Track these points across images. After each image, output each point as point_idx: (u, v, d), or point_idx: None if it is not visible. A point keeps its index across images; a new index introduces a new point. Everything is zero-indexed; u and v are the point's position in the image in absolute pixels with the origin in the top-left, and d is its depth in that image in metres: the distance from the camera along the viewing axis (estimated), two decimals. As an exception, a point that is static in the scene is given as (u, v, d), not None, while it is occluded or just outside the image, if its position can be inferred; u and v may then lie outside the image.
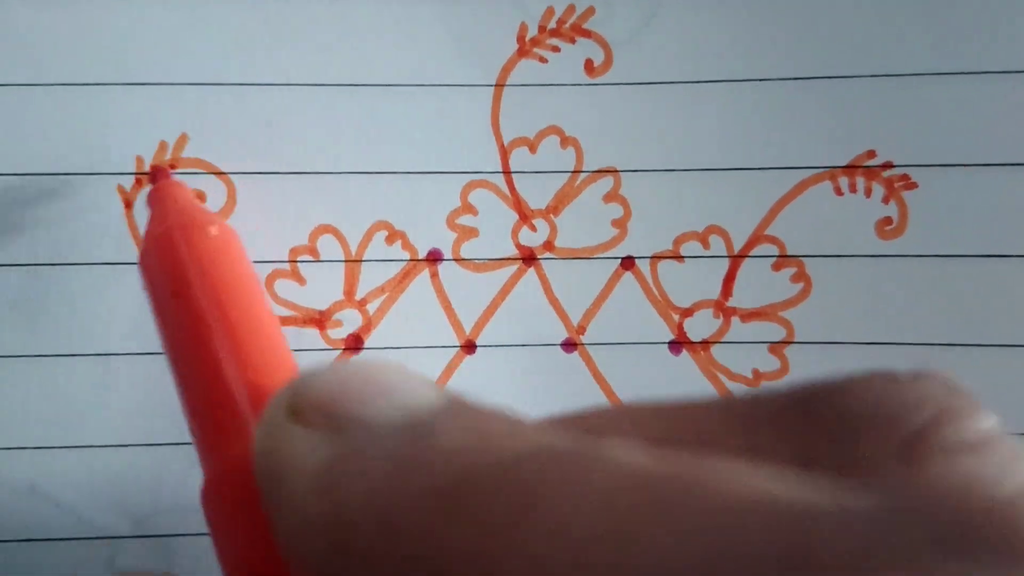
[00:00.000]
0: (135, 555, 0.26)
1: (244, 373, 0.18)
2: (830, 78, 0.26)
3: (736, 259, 0.27)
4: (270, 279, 0.26)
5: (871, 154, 0.26)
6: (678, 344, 0.27)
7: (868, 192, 0.26)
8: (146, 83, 0.25)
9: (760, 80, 0.26)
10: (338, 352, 0.26)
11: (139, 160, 0.26)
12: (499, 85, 0.26)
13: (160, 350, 0.25)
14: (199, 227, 0.21)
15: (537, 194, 0.26)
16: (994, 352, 0.26)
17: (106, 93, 0.25)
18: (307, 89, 0.26)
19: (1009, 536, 0.11)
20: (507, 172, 0.26)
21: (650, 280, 0.27)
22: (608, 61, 0.26)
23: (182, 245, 0.21)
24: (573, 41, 0.26)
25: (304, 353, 0.26)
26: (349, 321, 0.26)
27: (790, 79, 0.26)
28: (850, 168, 0.26)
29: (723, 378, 0.27)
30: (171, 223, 0.22)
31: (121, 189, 0.26)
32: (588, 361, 0.27)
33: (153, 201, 0.24)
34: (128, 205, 0.26)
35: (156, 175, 0.25)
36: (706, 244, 0.27)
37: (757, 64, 0.26)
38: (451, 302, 0.26)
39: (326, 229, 0.26)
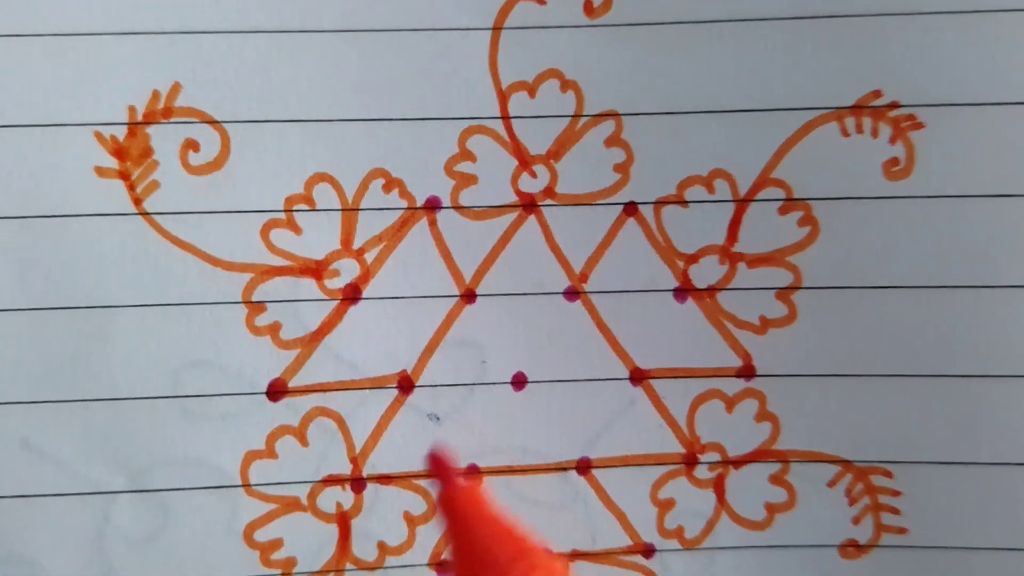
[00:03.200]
0: (131, 510, 0.26)
1: None
2: (835, 17, 0.25)
3: (742, 203, 0.26)
4: (265, 228, 0.25)
5: (877, 94, 0.26)
6: (683, 291, 0.26)
7: (875, 133, 0.26)
8: (138, 32, 0.25)
9: (764, 20, 0.25)
10: (336, 302, 0.26)
11: (131, 110, 0.25)
12: (496, 28, 0.25)
13: (157, 301, 0.25)
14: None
15: (537, 139, 0.26)
16: (1004, 293, 0.26)
17: (98, 43, 0.25)
18: (302, 36, 0.25)
19: None
20: (506, 117, 0.26)
21: (654, 226, 0.26)
22: (608, 1, 0.25)
23: None
24: (572, -19, 0.25)
25: (302, 304, 0.26)
26: (347, 271, 0.26)
27: (795, 18, 0.25)
28: (856, 108, 0.26)
29: (729, 325, 0.26)
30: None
31: (114, 139, 0.25)
32: (591, 310, 0.26)
33: (449, 512, 0.21)
34: (119, 155, 0.25)
35: (438, 469, 0.22)
36: (711, 188, 0.26)
37: (761, 3, 0.25)
38: (450, 251, 0.26)
39: (322, 177, 0.26)
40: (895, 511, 0.26)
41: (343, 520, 0.27)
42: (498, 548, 0.19)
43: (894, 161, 0.26)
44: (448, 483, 0.21)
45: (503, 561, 0.19)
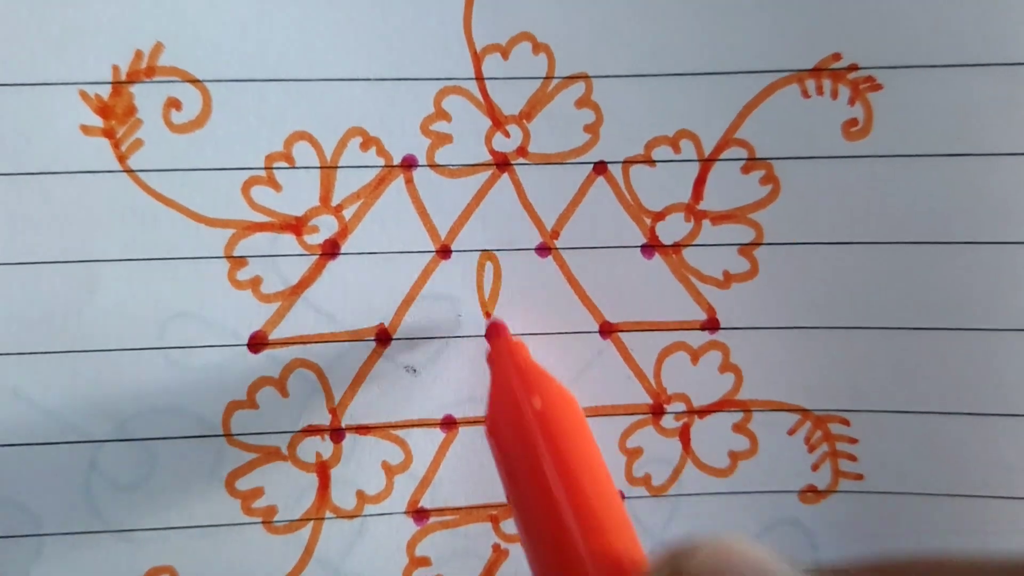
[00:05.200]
0: (117, 458, 0.27)
1: (591, 538, 0.19)
2: (797, -18, 0.26)
3: (706, 163, 0.27)
4: (246, 185, 0.26)
5: (837, 56, 0.26)
6: (650, 247, 0.27)
7: (834, 94, 0.27)
8: (122, -6, 0.26)
9: (728, -15, 0.26)
10: (315, 257, 0.27)
11: (115, 69, 0.26)
12: (471, -8, 0.26)
13: (142, 256, 0.26)
14: (541, 394, 0.22)
15: (510, 100, 0.27)
16: (956, 248, 0.27)
17: (81, 2, 0.26)
18: (281, -2, 0.26)
19: None
20: (480, 78, 0.27)
21: (622, 184, 0.27)
22: (578, -34, 0.26)
23: (528, 414, 0.22)
24: (543, -53, 0.26)
25: (282, 259, 0.27)
26: (325, 227, 0.27)
27: (757, -17, 0.26)
28: (816, 71, 0.27)
29: (695, 280, 0.27)
30: (518, 393, 0.23)
31: (98, 98, 0.26)
32: (562, 265, 0.27)
33: (494, 363, 0.25)
34: (104, 113, 0.26)
35: (493, 334, 0.26)
36: (677, 148, 0.27)
37: (724, -32, 0.26)
38: (426, 208, 0.27)
39: (301, 136, 0.26)
40: (852, 458, 0.28)
41: (322, 469, 0.27)
42: (519, 381, 0.23)
43: (853, 122, 0.27)
44: (499, 340, 0.26)
45: (518, 388, 0.23)
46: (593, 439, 0.22)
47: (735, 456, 0.28)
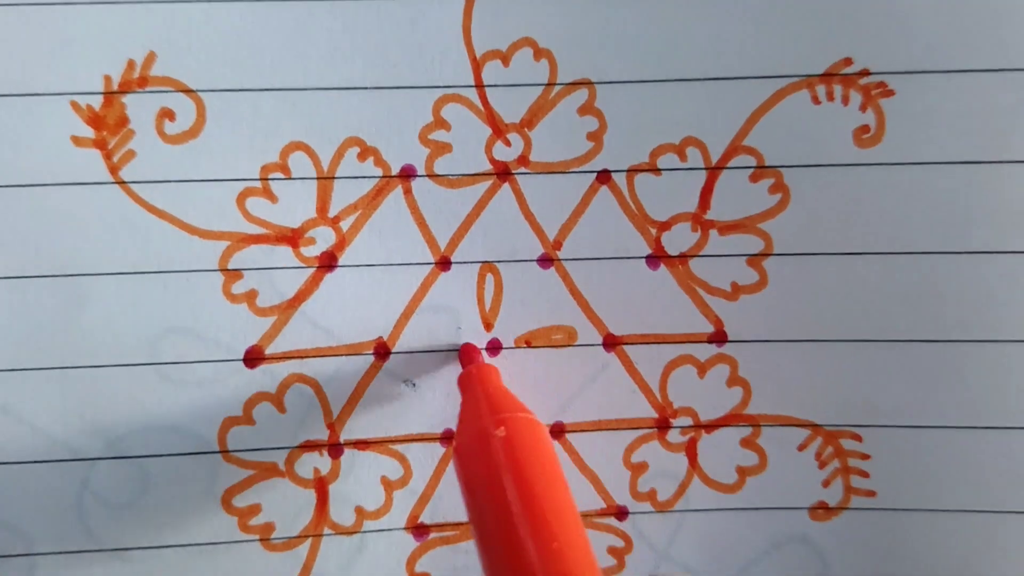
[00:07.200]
0: (108, 475, 0.26)
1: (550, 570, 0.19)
2: (806, -15, 0.26)
3: (713, 171, 0.26)
4: (241, 197, 0.26)
5: (848, 62, 0.26)
6: (655, 258, 0.27)
7: (845, 100, 0.26)
8: (113, 1, 0.25)
9: (735, -12, 0.26)
10: (312, 269, 0.26)
11: (107, 79, 0.25)
12: (470, -3, 0.26)
13: (135, 269, 0.25)
14: (507, 421, 0.22)
15: (511, 107, 0.26)
16: (971, 259, 0.26)
17: (74, 12, 0.25)
18: (276, 4, 0.25)
19: None
20: (480, 86, 0.26)
21: (627, 193, 0.26)
22: (580, -30, 0.26)
23: (493, 442, 0.21)
24: (544, -50, 0.26)
25: (278, 271, 0.26)
26: (322, 238, 0.26)
27: (765, -14, 0.26)
28: (827, 76, 0.26)
29: (701, 292, 0.27)
30: (484, 421, 0.22)
31: (90, 109, 0.25)
32: (565, 277, 0.27)
33: (464, 387, 0.25)
34: (96, 124, 0.25)
35: (466, 357, 0.26)
36: (683, 156, 0.26)
37: (731, -29, 0.26)
38: (425, 218, 0.26)
39: (297, 146, 0.26)
40: (864, 474, 0.27)
41: (320, 485, 0.27)
42: (486, 407, 0.23)
43: (864, 128, 0.26)
44: (470, 364, 0.25)
45: (486, 414, 0.22)
46: (559, 468, 0.22)
47: (743, 471, 0.27)
